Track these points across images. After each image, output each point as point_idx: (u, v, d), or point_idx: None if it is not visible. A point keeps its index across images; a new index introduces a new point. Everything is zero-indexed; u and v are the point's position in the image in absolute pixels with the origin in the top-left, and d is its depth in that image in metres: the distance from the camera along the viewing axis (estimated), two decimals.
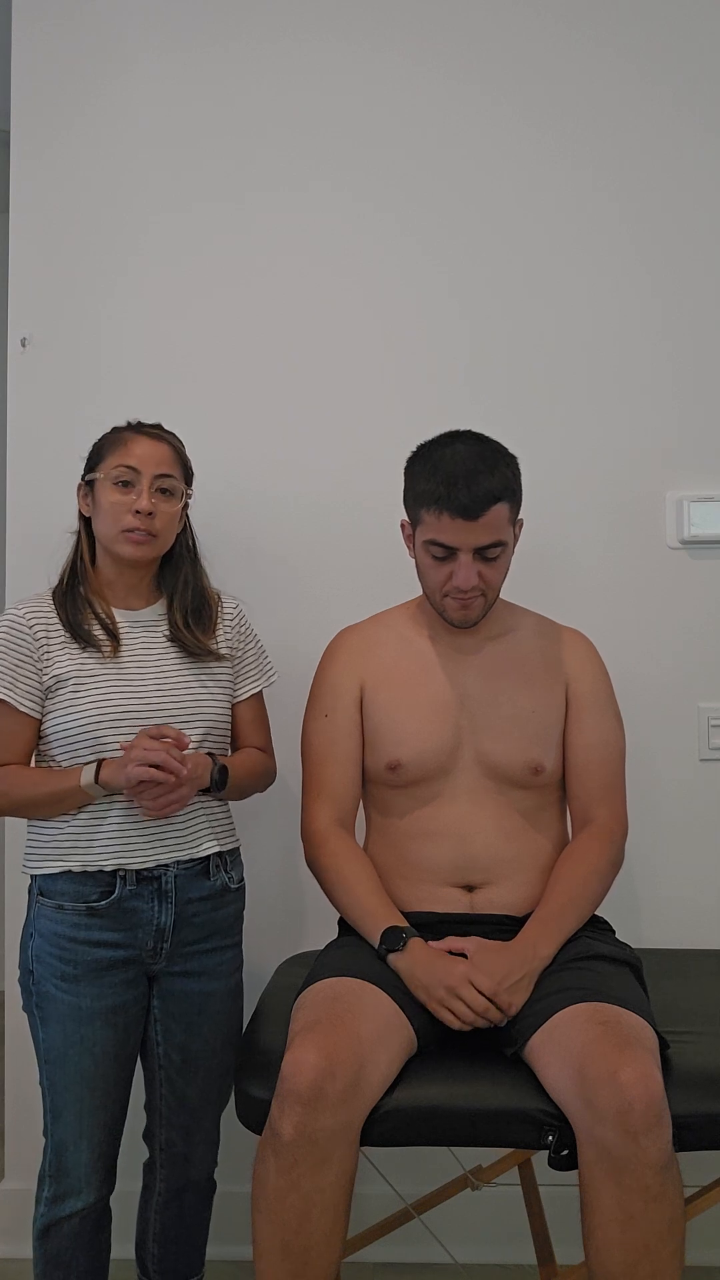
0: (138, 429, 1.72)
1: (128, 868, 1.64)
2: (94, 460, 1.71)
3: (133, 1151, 1.75)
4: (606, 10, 2.16)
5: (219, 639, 1.77)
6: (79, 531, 1.74)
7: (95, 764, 1.61)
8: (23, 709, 1.64)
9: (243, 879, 1.79)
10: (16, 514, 2.11)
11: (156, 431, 1.73)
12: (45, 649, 1.65)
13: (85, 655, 1.66)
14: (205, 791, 1.69)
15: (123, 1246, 1.76)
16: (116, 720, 1.63)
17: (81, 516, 1.74)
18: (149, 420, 1.75)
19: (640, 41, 2.16)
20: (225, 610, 1.81)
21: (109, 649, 1.67)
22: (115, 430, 1.73)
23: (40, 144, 2.19)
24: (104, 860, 1.64)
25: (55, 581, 1.74)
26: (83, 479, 1.72)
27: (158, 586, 1.77)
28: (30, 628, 1.65)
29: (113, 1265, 1.72)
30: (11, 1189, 2.14)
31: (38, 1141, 1.74)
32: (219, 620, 1.79)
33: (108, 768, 1.61)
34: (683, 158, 2.16)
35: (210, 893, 1.71)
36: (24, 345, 2.18)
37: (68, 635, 1.66)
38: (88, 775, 1.61)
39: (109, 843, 1.64)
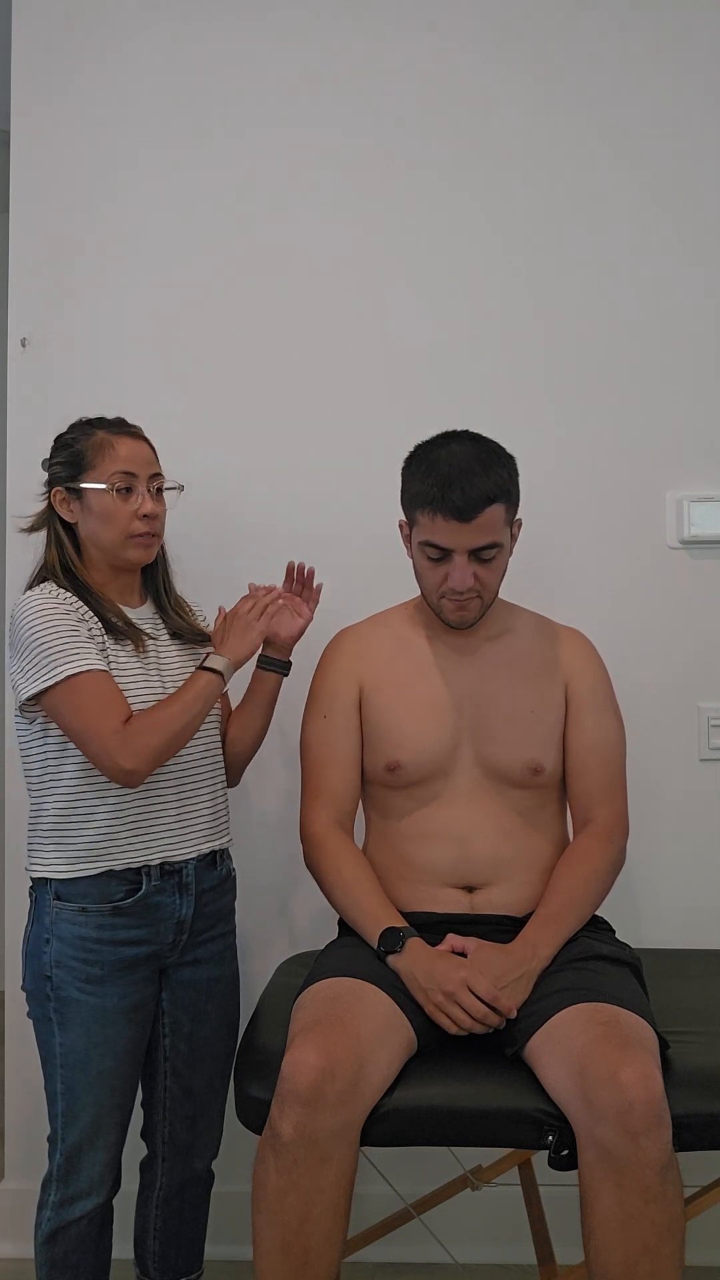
0: (117, 429, 1.70)
1: (171, 861, 1.66)
2: (77, 466, 1.68)
3: (128, 1151, 1.74)
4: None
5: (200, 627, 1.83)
6: (58, 536, 1.70)
7: (206, 656, 1.69)
8: (108, 669, 1.62)
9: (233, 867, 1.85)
10: (16, 514, 2.11)
11: (134, 430, 1.73)
12: (87, 628, 1.63)
13: (118, 648, 1.66)
14: (273, 666, 1.84)
15: (120, 1245, 1.76)
16: None
17: (61, 521, 1.70)
18: (139, 415, 1.74)
19: (652, 46, 2.16)
20: (195, 610, 1.86)
21: (140, 645, 1.68)
22: (86, 430, 1.70)
23: (40, 144, 2.19)
24: (148, 856, 1.65)
25: (36, 578, 1.71)
26: (63, 485, 1.68)
27: (144, 586, 1.78)
28: (72, 606, 1.63)
29: (112, 1264, 1.71)
30: (11, 1189, 2.14)
31: (38, 1142, 1.74)
32: (194, 614, 1.84)
33: (227, 649, 1.69)
34: (685, 159, 2.16)
35: (218, 881, 1.75)
36: (24, 345, 2.18)
37: (100, 625, 1.65)
38: (219, 663, 1.67)
39: (152, 837, 1.65)
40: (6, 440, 2.17)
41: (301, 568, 1.92)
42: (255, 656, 1.82)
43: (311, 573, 1.92)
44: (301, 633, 1.86)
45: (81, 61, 2.18)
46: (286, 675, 1.86)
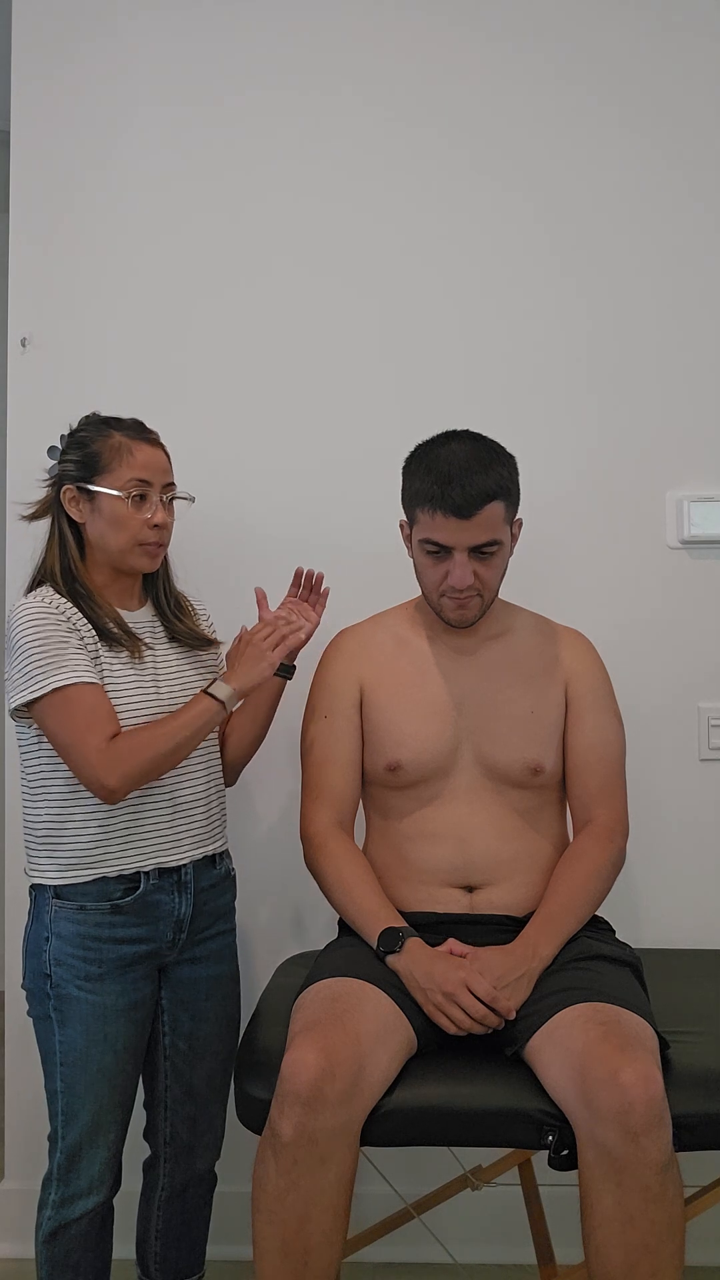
0: (135, 434, 1.69)
1: (165, 866, 1.67)
2: (91, 468, 1.66)
3: (130, 1151, 1.74)
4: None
5: (202, 629, 1.82)
6: (62, 533, 1.69)
7: (213, 681, 1.66)
8: (99, 681, 1.61)
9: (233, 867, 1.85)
10: (16, 513, 2.11)
11: (152, 436, 1.72)
12: (79, 637, 1.63)
13: (112, 655, 1.65)
14: (277, 670, 1.77)
15: (121, 1246, 1.76)
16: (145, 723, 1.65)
17: (69, 520, 1.69)
18: (140, 415, 1.74)
19: (663, 40, 2.16)
20: (198, 608, 1.85)
21: (136, 652, 1.67)
22: (102, 430, 1.68)
23: (40, 144, 2.19)
24: (141, 862, 1.65)
25: (34, 580, 1.70)
26: (75, 484, 1.67)
27: (144, 589, 1.78)
28: (65, 615, 1.62)
29: (113, 1265, 1.71)
30: (11, 1189, 2.14)
31: (38, 1142, 1.74)
32: (196, 614, 1.83)
33: (235, 677, 1.66)
34: (685, 156, 2.16)
35: (217, 880, 1.76)
36: (24, 345, 2.18)
37: (93, 632, 1.64)
38: (223, 691, 1.64)
39: (145, 844, 1.65)
40: (6, 441, 2.17)
41: (311, 574, 1.90)
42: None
43: (320, 578, 1.91)
44: (309, 638, 1.84)
45: (82, 62, 2.18)
46: (290, 679, 1.85)
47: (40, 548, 1.72)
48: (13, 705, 1.60)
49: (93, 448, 1.67)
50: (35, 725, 1.63)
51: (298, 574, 1.91)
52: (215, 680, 1.68)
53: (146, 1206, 1.81)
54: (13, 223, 2.19)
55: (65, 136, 2.18)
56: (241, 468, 2.15)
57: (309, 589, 1.90)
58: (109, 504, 1.66)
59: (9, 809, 2.11)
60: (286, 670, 1.85)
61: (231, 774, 1.87)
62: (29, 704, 1.59)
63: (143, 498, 1.66)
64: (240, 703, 1.71)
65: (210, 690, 1.65)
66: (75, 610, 1.64)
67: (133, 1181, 1.78)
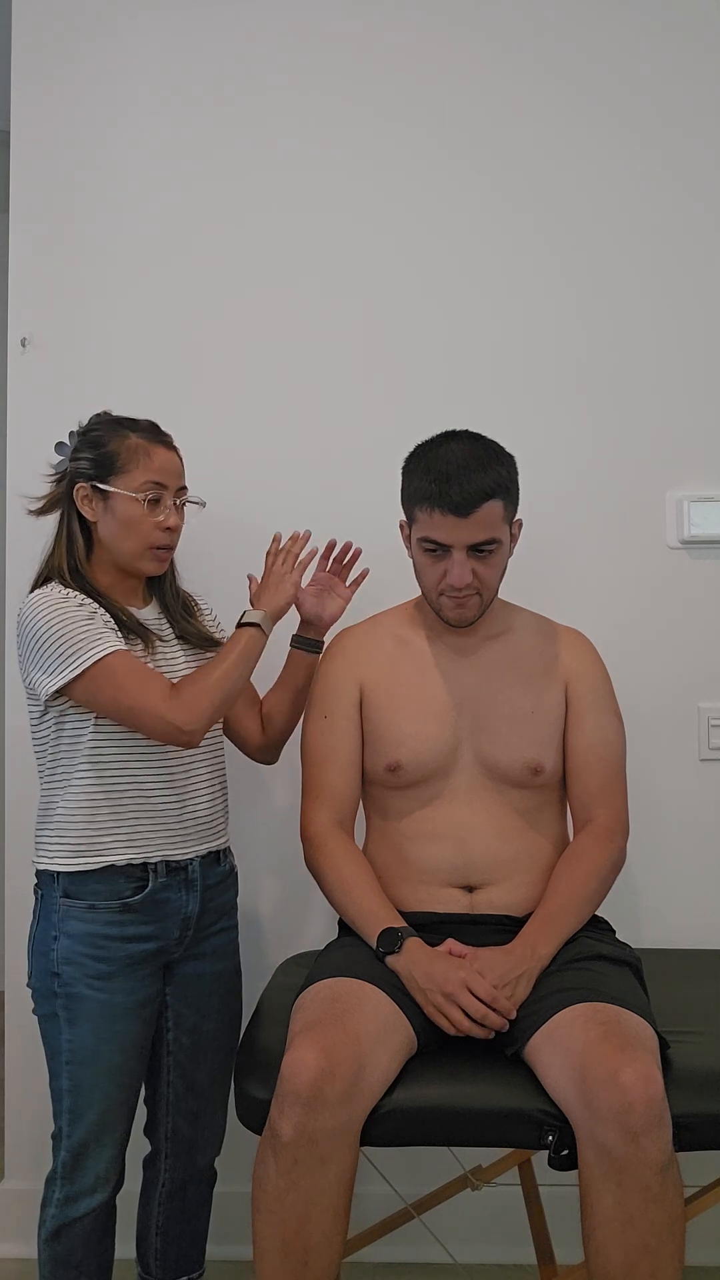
0: (152, 436, 1.70)
1: (172, 860, 1.67)
2: (106, 467, 1.66)
3: (129, 1148, 1.74)
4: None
5: (208, 629, 1.83)
6: (71, 530, 1.69)
7: (243, 614, 1.72)
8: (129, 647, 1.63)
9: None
10: (16, 513, 2.11)
11: (167, 438, 1.72)
12: (102, 618, 1.63)
13: (126, 648, 1.64)
14: (307, 646, 1.87)
15: (121, 1245, 1.75)
16: None
17: (80, 518, 1.70)
18: (139, 415, 1.74)
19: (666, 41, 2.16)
20: (201, 605, 1.86)
21: (150, 645, 1.68)
22: (117, 430, 1.69)
23: (40, 144, 2.19)
24: (149, 853, 1.65)
25: (40, 577, 1.70)
26: (89, 483, 1.67)
27: (149, 588, 1.78)
28: (83, 601, 1.63)
29: (114, 1264, 1.72)
30: (11, 1189, 2.14)
31: (38, 1141, 1.74)
32: (202, 613, 1.84)
33: (263, 603, 1.74)
34: (684, 156, 2.16)
35: (221, 877, 1.77)
36: (24, 345, 2.18)
37: (110, 622, 1.64)
38: (256, 616, 1.70)
39: (153, 834, 1.66)
40: (6, 440, 2.17)
41: (347, 546, 1.94)
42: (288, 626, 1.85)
43: (357, 553, 1.95)
44: (341, 614, 1.89)
45: (82, 62, 2.18)
46: (319, 655, 1.88)
47: (48, 544, 1.72)
48: (52, 689, 1.59)
49: (109, 448, 1.67)
50: (59, 712, 1.62)
51: (330, 546, 1.93)
52: (245, 612, 1.72)
53: (147, 1203, 1.81)
54: (13, 223, 2.19)
55: (65, 137, 2.19)
56: (242, 467, 2.15)
57: (338, 562, 1.93)
58: (123, 505, 1.66)
59: (9, 808, 2.11)
60: (317, 647, 1.88)
61: (274, 751, 1.89)
62: (69, 684, 1.58)
63: (156, 500, 1.67)
64: (273, 626, 1.74)
65: (244, 620, 1.70)
66: (88, 600, 1.64)
67: (133, 1179, 1.79)
